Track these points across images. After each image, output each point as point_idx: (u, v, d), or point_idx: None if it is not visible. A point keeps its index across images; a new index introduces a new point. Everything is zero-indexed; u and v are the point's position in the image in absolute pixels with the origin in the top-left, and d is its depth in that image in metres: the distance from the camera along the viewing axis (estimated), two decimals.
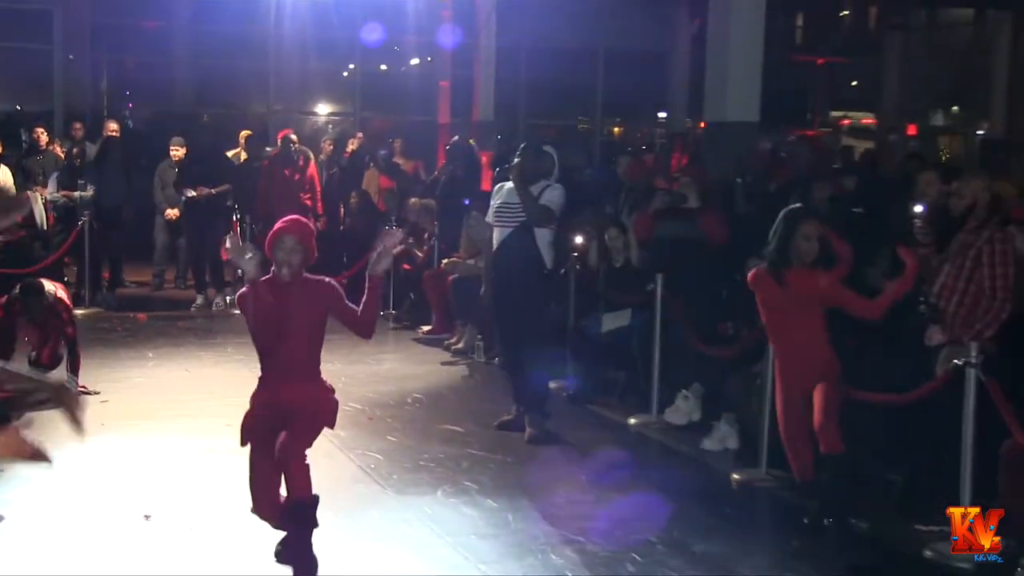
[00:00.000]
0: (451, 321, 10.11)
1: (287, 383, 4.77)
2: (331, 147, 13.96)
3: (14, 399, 3.70)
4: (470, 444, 6.91)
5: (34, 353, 7.88)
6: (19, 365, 7.47)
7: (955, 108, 22.77)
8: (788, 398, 5.43)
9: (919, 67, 21.84)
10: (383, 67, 20.71)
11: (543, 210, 7.03)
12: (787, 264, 5.30)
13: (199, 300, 11.59)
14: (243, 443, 4.82)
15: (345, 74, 20.36)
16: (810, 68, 23.40)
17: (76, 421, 3.58)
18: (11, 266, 10.52)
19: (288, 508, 4.67)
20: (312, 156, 12.51)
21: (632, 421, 7.59)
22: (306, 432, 4.72)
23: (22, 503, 5.53)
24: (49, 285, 7.70)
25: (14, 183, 11.86)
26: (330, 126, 18.93)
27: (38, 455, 3.84)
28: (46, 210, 11.69)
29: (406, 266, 11.17)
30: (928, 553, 5.21)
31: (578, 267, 8.58)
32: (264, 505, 4.76)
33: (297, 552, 4.69)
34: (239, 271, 4.76)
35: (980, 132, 20.81)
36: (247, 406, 4.89)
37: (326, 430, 4.91)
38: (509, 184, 7.17)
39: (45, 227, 11.76)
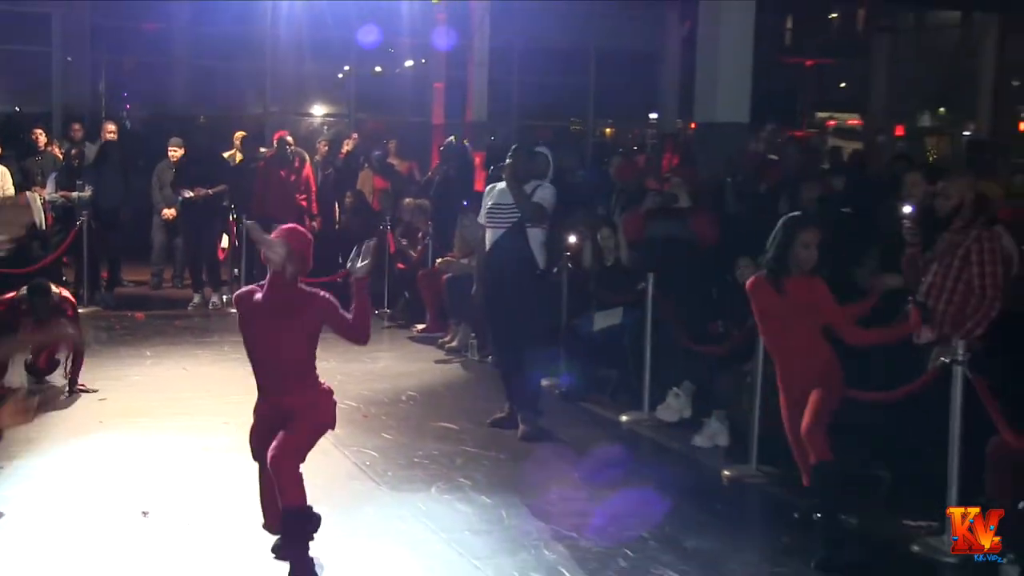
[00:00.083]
0: (445, 320, 10.18)
1: (288, 395, 4.74)
2: (326, 148, 14.06)
3: None
4: (464, 441, 6.95)
5: (31, 358, 7.95)
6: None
7: (942, 109, 22.83)
8: (791, 403, 5.32)
9: (907, 69, 21.93)
10: (378, 69, 20.76)
11: (536, 207, 7.07)
12: (786, 272, 5.23)
13: (196, 299, 11.63)
14: (255, 458, 4.85)
15: (340, 76, 20.46)
16: (799, 69, 23.47)
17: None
18: (10, 266, 10.58)
19: (281, 518, 4.66)
20: (308, 157, 12.54)
21: (624, 418, 7.66)
22: (305, 432, 4.71)
23: (21, 499, 5.57)
24: (54, 287, 7.76)
25: (13, 183, 11.95)
26: (325, 127, 18.94)
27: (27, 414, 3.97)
28: (44, 210, 11.71)
29: (400, 265, 11.25)
30: (916, 548, 5.27)
31: (570, 267, 8.65)
32: (276, 522, 4.77)
33: (294, 564, 4.66)
34: (264, 256, 4.74)
35: (966, 133, 20.83)
36: (245, 405, 4.91)
37: None
38: (501, 185, 7.21)
39: (44, 227, 11.77)
